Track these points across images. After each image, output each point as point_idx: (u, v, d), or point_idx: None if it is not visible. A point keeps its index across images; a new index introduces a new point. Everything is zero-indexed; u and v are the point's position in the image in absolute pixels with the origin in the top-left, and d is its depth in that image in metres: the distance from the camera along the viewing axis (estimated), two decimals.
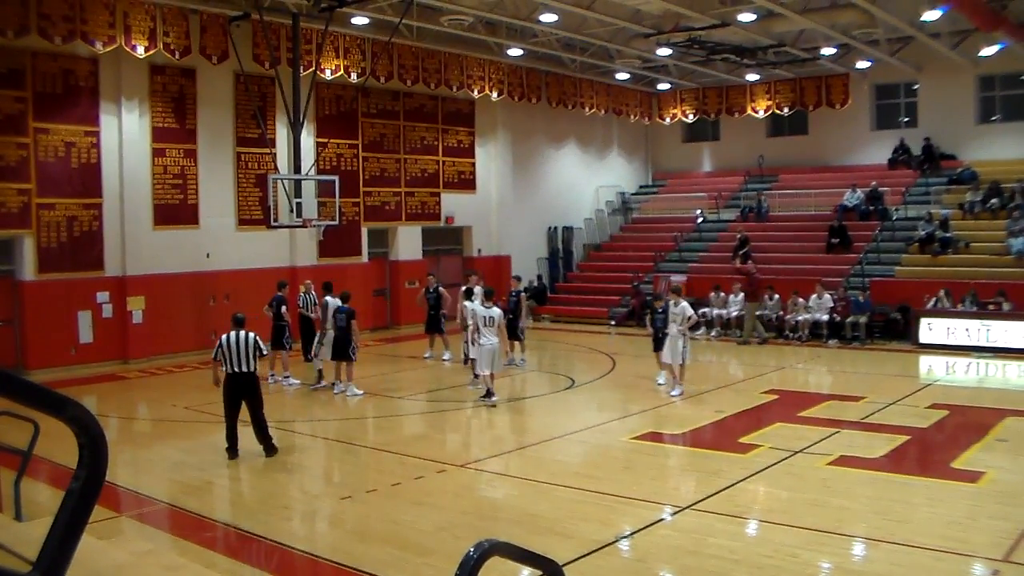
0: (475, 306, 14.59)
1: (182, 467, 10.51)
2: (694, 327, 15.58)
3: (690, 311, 14.11)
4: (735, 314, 21.75)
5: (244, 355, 10.46)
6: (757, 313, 21.40)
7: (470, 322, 14.74)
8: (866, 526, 7.88)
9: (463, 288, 17.13)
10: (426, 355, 18.63)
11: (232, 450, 10.63)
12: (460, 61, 23.50)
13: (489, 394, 13.71)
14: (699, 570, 6.89)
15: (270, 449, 10.75)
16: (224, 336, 10.62)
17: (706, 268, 24.82)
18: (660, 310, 14.75)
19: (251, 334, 10.63)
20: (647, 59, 25.49)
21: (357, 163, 22.78)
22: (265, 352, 10.76)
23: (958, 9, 19.06)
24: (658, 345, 14.63)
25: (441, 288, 18.68)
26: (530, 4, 19.82)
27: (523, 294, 18.47)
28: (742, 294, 21.41)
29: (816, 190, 26.22)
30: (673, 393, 13.99)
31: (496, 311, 13.82)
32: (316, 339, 15.69)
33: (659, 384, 14.72)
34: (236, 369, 10.50)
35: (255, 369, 10.65)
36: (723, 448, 10.92)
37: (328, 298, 15.35)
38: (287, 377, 15.73)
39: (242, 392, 10.59)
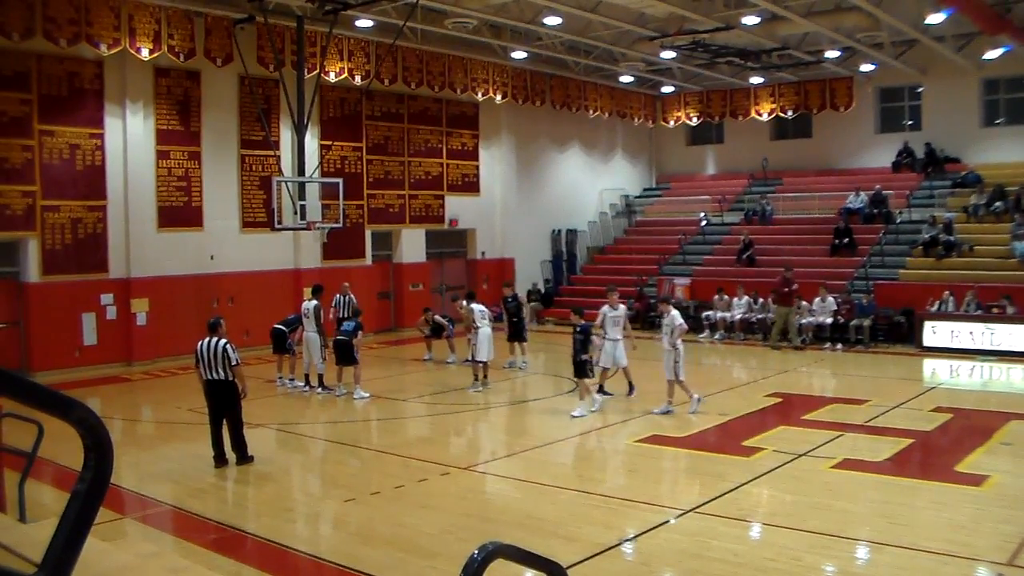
0: (479, 307, 15.64)
1: (186, 469, 10.51)
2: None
3: (679, 320, 13.12)
4: (739, 317, 21.75)
5: (212, 362, 10.25)
6: (760, 316, 21.41)
7: (478, 324, 15.35)
8: (870, 529, 7.86)
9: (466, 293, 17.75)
10: (425, 357, 18.79)
11: (219, 458, 10.42)
12: (464, 64, 23.52)
13: (602, 390, 13.92)
14: (702, 573, 6.88)
15: (241, 459, 10.48)
16: (200, 342, 10.45)
17: (710, 271, 24.80)
18: (579, 329, 13.16)
19: (221, 341, 10.29)
20: (651, 62, 25.50)
21: (361, 166, 22.81)
22: (235, 362, 10.24)
23: (962, 12, 19.05)
24: (578, 371, 13.03)
25: (438, 317, 18.90)
26: (534, 7, 19.83)
27: (520, 296, 18.48)
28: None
29: (820, 193, 26.22)
30: (655, 411, 12.94)
31: (622, 308, 14.06)
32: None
33: (573, 416, 12.77)
34: (208, 376, 10.36)
35: (227, 377, 10.28)
36: (727, 451, 10.90)
37: (306, 302, 15.64)
38: (292, 379, 15.75)
39: (216, 399, 10.40)
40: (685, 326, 13.47)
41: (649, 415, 12.97)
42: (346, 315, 16.99)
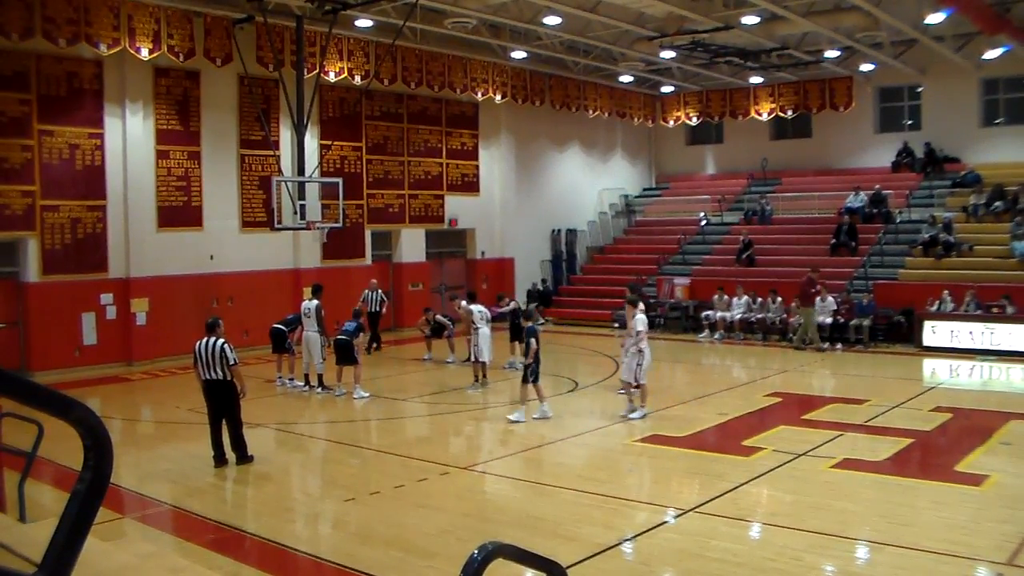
0: (479, 308, 15.62)
1: (185, 469, 10.51)
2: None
3: (641, 326, 12.60)
4: (738, 317, 21.76)
5: (210, 362, 10.24)
6: (760, 316, 21.42)
7: (477, 324, 15.21)
8: (870, 529, 7.86)
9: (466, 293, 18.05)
10: (425, 357, 18.84)
11: (218, 458, 10.42)
12: (464, 64, 23.52)
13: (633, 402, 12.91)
14: (702, 573, 6.88)
15: (241, 458, 10.48)
16: (198, 342, 10.44)
17: (710, 271, 24.80)
18: (524, 331, 12.82)
19: (219, 341, 10.29)
20: (651, 62, 25.50)
21: (361, 165, 22.81)
22: (233, 361, 10.26)
23: (961, 12, 19.05)
24: (527, 375, 12.57)
25: (439, 317, 19.09)
26: (534, 7, 19.83)
27: (514, 302, 18.65)
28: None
29: (819, 193, 26.21)
30: (633, 416, 12.54)
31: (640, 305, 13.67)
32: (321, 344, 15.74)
33: (510, 420, 12.53)
34: (206, 376, 10.35)
35: (225, 377, 10.28)
36: (726, 451, 10.90)
37: (307, 302, 15.75)
38: (291, 379, 15.76)
39: (215, 399, 10.40)
40: (643, 333, 12.71)
41: (648, 415, 12.95)
42: (375, 309, 19.14)
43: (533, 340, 12.53)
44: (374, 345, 19.69)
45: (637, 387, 12.68)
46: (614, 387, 15.07)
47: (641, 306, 13.70)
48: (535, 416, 12.70)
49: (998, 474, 9.54)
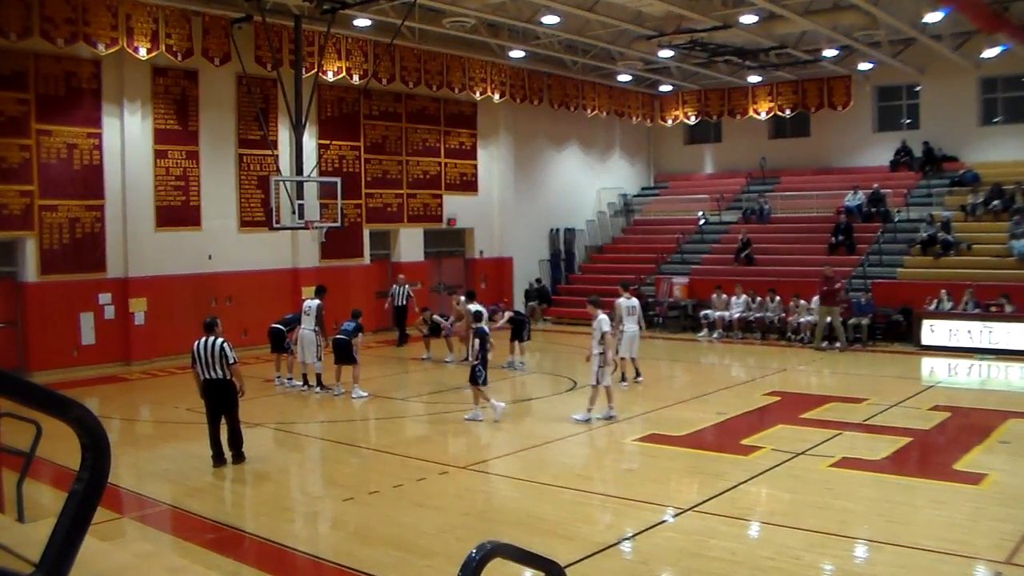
0: (477, 308, 15.58)
1: (184, 469, 10.50)
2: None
3: (606, 327, 12.48)
4: (737, 316, 21.77)
5: (210, 361, 10.23)
6: (758, 315, 21.42)
7: (475, 324, 15.23)
8: (868, 528, 7.87)
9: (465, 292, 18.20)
10: (424, 356, 18.84)
11: (217, 458, 10.41)
12: (462, 63, 23.51)
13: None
14: (701, 572, 6.88)
15: (237, 457, 10.48)
16: (196, 342, 10.43)
17: (708, 270, 24.81)
18: (474, 332, 12.87)
19: (219, 340, 10.30)
20: (649, 61, 25.50)
21: (359, 165, 22.80)
22: (232, 360, 10.27)
23: (960, 11, 19.06)
24: (475, 376, 12.46)
25: (436, 317, 19.19)
26: (532, 6, 19.83)
27: (509, 312, 18.79)
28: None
29: (818, 192, 26.23)
30: (576, 416, 12.47)
31: (635, 301, 15.05)
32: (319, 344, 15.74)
33: (465, 418, 12.63)
34: (206, 375, 10.33)
35: (225, 376, 10.28)
36: (725, 450, 10.91)
37: (308, 301, 15.74)
38: (290, 379, 15.76)
39: (215, 398, 10.39)
40: (608, 335, 12.63)
41: (647, 414, 12.97)
42: (402, 303, 20.65)
43: (477, 341, 12.61)
44: (400, 336, 21.04)
45: (595, 386, 12.47)
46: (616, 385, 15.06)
47: (629, 303, 13.91)
48: (466, 417, 12.69)
49: (997, 473, 9.55)
